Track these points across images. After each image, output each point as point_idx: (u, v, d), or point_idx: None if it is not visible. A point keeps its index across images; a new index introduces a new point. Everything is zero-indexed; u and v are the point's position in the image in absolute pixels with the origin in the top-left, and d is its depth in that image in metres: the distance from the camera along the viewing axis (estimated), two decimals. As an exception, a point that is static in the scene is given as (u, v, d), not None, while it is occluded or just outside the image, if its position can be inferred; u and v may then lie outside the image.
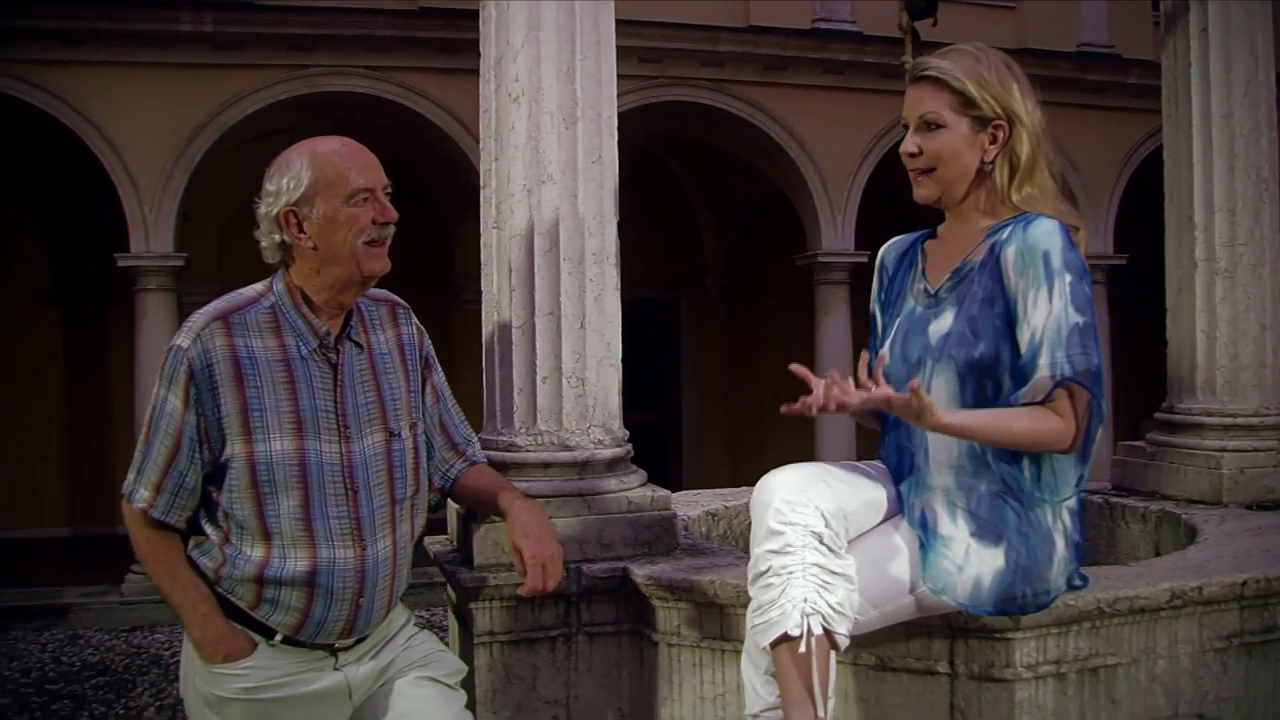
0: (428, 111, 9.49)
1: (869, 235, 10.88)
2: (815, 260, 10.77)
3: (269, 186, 2.08)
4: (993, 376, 2.12)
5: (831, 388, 1.95)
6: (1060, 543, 2.16)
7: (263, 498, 2.03)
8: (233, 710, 2.11)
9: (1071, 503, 2.20)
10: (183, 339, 2.03)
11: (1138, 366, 11.30)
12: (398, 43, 9.36)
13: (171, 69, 8.90)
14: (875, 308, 2.41)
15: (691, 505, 3.55)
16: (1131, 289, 11.20)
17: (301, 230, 2.05)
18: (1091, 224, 11.20)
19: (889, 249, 2.42)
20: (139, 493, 2.07)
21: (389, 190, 2.14)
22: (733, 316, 14.00)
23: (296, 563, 2.05)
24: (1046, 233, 2.08)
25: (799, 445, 10.25)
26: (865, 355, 2.13)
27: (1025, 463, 2.13)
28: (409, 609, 2.35)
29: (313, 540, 2.06)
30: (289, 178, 2.06)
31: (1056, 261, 2.05)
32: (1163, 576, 2.37)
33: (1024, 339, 2.07)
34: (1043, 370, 2.04)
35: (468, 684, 2.65)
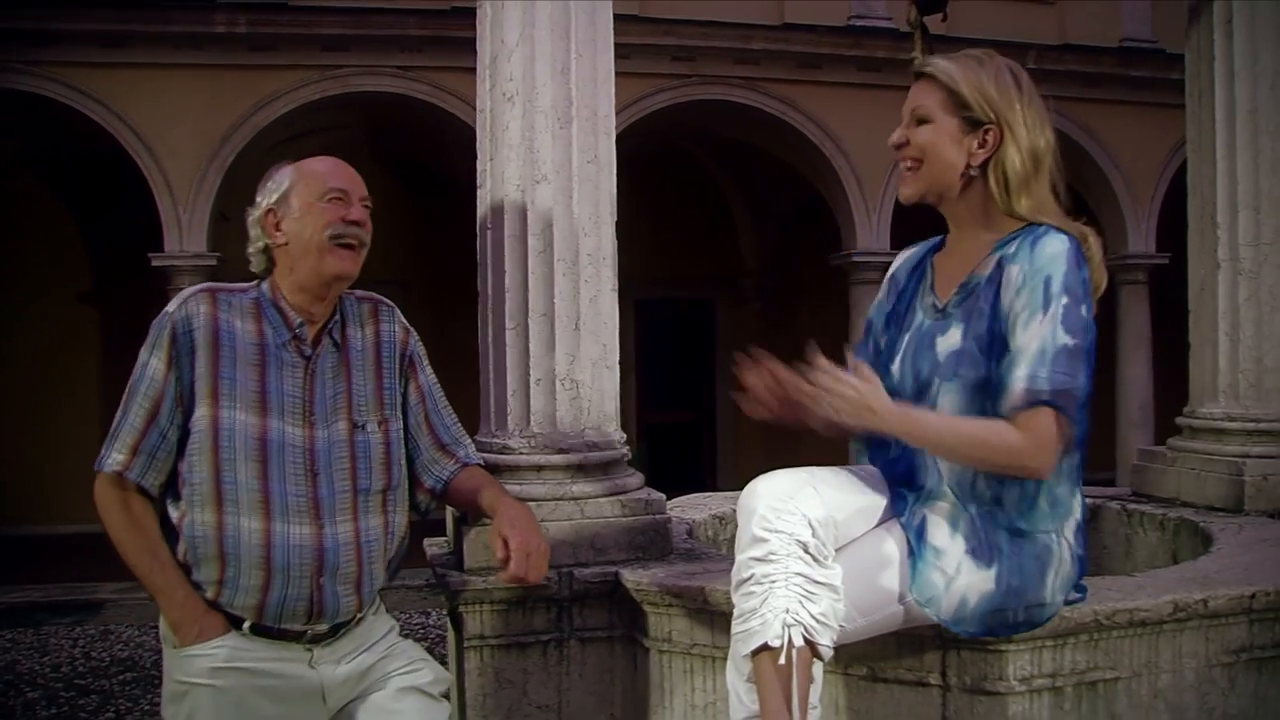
0: (459, 111, 9.50)
1: (904, 235, 10.72)
2: (850, 260, 10.69)
3: (258, 198, 2.23)
4: (998, 397, 2.04)
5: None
6: (1064, 555, 2.09)
7: (221, 462, 2.09)
8: (201, 696, 2.09)
9: (1077, 516, 2.14)
10: (170, 305, 2.17)
11: (1180, 368, 11.10)
12: (430, 43, 9.41)
13: (206, 70, 9.03)
14: (875, 316, 2.35)
15: (699, 508, 3.50)
16: (1175, 289, 11.01)
17: (279, 228, 2.18)
18: (1134, 222, 11.01)
19: (902, 262, 2.37)
20: (112, 457, 2.11)
21: (367, 204, 2.24)
22: (768, 316, 13.92)
23: (252, 534, 2.08)
24: (1054, 255, 2.00)
25: (834, 445, 10.14)
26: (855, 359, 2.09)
27: (1017, 488, 2.06)
28: (394, 618, 2.34)
29: (268, 512, 2.09)
30: (272, 183, 2.22)
31: (1056, 286, 1.98)
32: (1166, 588, 2.29)
33: (1010, 355, 2.01)
34: (1019, 383, 1.96)
35: (458, 688, 2.64)
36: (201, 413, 2.09)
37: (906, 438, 2.04)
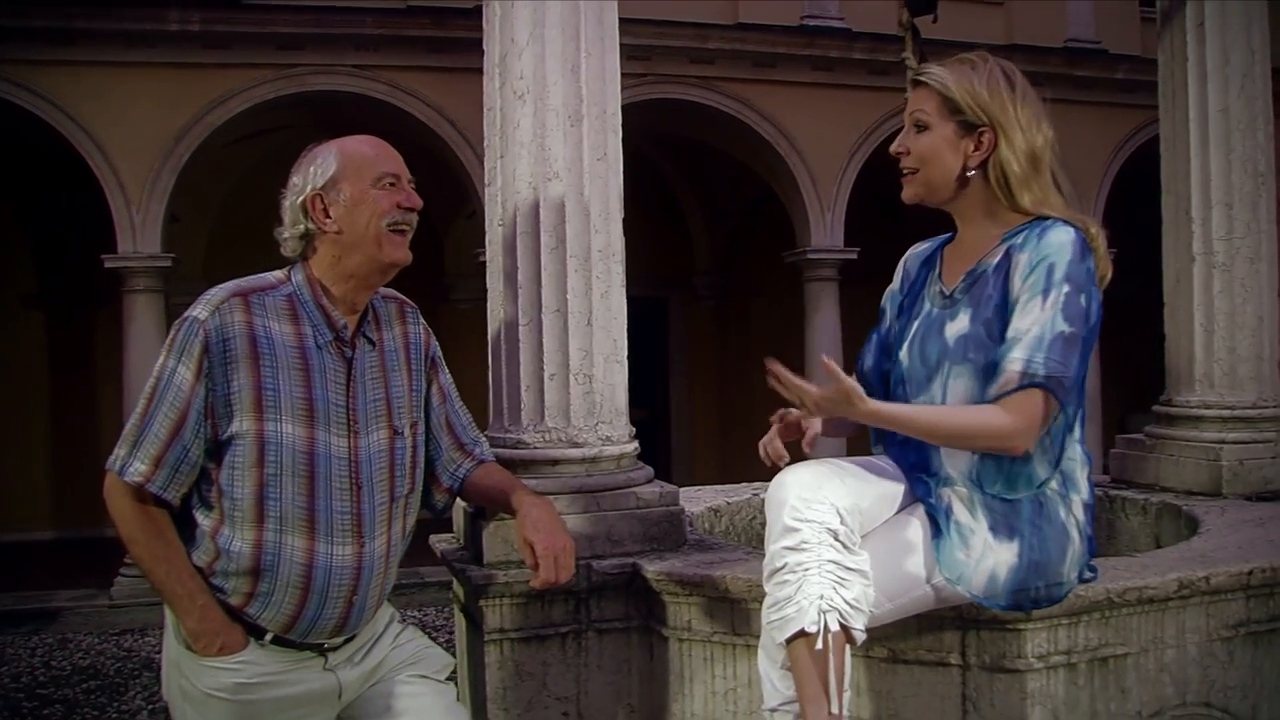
0: (416, 110, 9.46)
1: (858, 232, 10.93)
2: (804, 257, 10.79)
3: (295, 179, 2.12)
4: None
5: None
6: (1075, 536, 2.18)
7: (266, 478, 2.02)
8: (217, 708, 2.07)
9: (1086, 497, 2.22)
10: (200, 311, 2.02)
11: (1124, 361, 11.38)
12: (386, 41, 9.34)
13: (159, 69, 8.85)
14: (886, 303, 2.43)
15: (694, 501, 3.55)
16: (1119, 284, 11.29)
17: (327, 215, 2.09)
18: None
19: (913, 253, 2.44)
20: (134, 466, 2.00)
21: (413, 183, 2.18)
22: (722, 314, 14.02)
23: (293, 552, 2.03)
24: (1060, 244, 2.09)
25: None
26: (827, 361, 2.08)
27: (1037, 461, 2.14)
28: (393, 606, 2.35)
29: (313, 532, 2.05)
30: (316, 166, 2.11)
31: (1059, 273, 2.07)
32: (1170, 567, 2.39)
33: (1009, 336, 2.09)
34: (1014, 365, 2.04)
35: (477, 681, 2.66)
36: (245, 426, 2.00)
37: (890, 426, 2.13)
